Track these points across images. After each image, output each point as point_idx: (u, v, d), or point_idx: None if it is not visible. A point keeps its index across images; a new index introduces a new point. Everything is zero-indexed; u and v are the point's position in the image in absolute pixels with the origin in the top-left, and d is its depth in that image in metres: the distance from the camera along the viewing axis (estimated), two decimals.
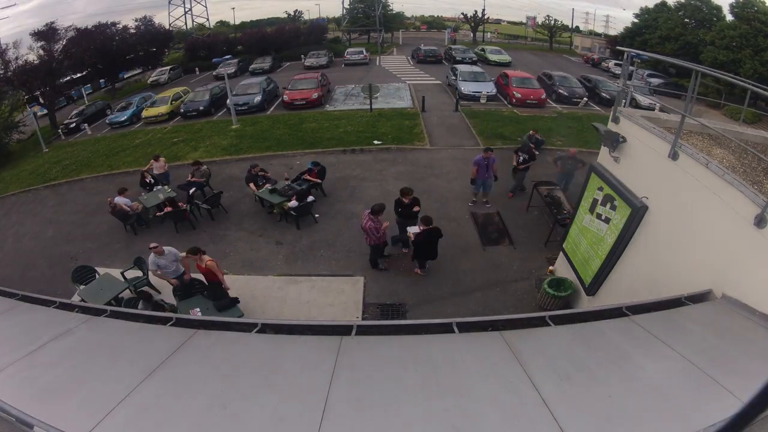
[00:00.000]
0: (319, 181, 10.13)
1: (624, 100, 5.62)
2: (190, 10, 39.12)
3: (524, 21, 41.90)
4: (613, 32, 35.52)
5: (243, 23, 41.32)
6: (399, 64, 27.74)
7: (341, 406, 2.39)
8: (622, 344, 2.97)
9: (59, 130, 19.74)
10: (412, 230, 7.18)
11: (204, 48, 32.35)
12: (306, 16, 41.74)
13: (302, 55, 29.08)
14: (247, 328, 3.23)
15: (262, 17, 40.83)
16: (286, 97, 17.84)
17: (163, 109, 18.43)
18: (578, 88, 18.44)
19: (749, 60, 19.64)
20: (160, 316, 3.61)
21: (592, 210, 5.87)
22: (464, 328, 3.10)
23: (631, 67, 5.57)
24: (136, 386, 2.55)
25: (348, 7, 38.98)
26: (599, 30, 38.75)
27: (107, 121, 19.21)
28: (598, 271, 5.59)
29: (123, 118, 18.77)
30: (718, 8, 24.23)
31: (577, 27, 39.61)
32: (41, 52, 22.87)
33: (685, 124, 4.25)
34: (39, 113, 20.67)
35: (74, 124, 19.51)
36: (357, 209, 9.61)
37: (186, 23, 39.17)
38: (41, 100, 21.17)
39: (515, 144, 12.53)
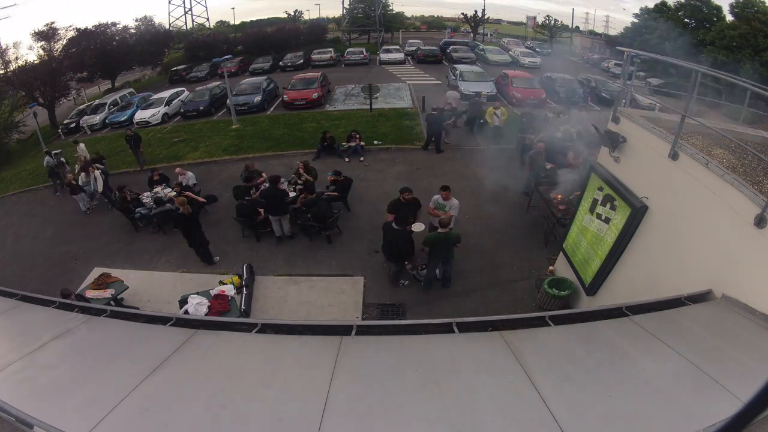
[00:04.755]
0: (336, 194, 9.18)
1: (624, 100, 5.62)
2: (190, 10, 39.18)
3: (524, 21, 41.96)
4: (613, 32, 35.57)
5: (243, 23, 41.32)
6: (399, 64, 27.70)
7: (341, 406, 2.39)
8: (622, 344, 2.97)
9: (59, 130, 19.74)
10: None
11: (204, 48, 32.35)
12: (306, 16, 41.79)
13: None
14: (247, 328, 3.23)
15: (262, 17, 40.88)
16: (286, 97, 17.85)
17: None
18: (578, 88, 18.45)
19: (749, 60, 19.63)
20: (160, 316, 3.60)
21: (592, 210, 5.87)
22: (464, 328, 3.10)
23: (631, 67, 5.57)
24: (136, 386, 2.55)
25: (348, 7, 38.98)
26: (599, 30, 38.80)
27: (107, 121, 19.20)
28: (598, 271, 5.59)
29: (123, 118, 18.76)
30: (718, 8, 24.23)
31: (577, 27, 39.66)
32: (41, 52, 22.91)
33: (685, 124, 4.25)
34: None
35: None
36: (357, 209, 9.61)
37: (186, 23, 39.23)
38: (41, 100, 21.15)
39: (515, 144, 12.53)
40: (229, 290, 6.61)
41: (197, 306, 6.25)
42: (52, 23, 23.60)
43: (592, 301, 5.80)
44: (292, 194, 9.17)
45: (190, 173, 10.13)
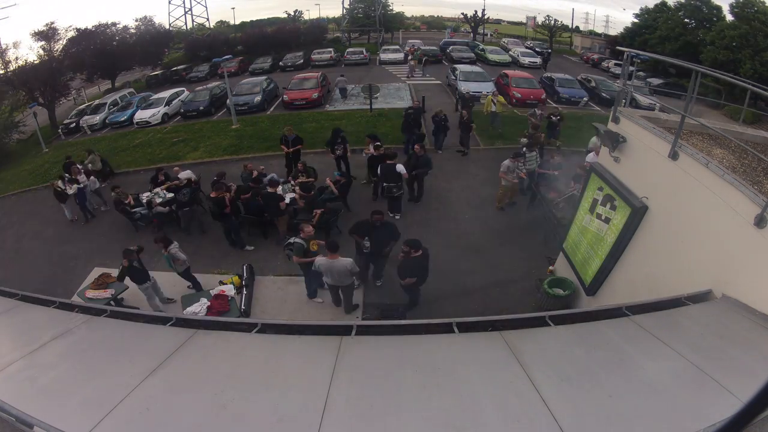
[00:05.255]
0: (338, 193, 9.14)
1: (624, 100, 5.63)
2: (190, 10, 39.20)
3: (524, 21, 41.96)
4: (613, 32, 35.57)
5: (243, 23, 41.34)
6: (399, 64, 27.70)
7: (341, 406, 2.39)
8: (622, 344, 2.97)
9: (59, 130, 19.74)
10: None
11: (204, 48, 32.34)
12: (306, 16, 41.79)
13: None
14: (247, 328, 3.23)
15: (262, 17, 40.89)
16: (286, 97, 17.85)
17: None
18: (578, 88, 18.48)
19: (749, 60, 19.63)
20: (160, 316, 3.61)
21: (592, 210, 5.87)
22: (464, 328, 3.10)
23: (631, 67, 5.57)
24: (136, 386, 2.55)
25: (348, 7, 38.98)
26: (599, 30, 38.79)
27: (107, 121, 19.21)
28: (598, 271, 5.59)
29: (123, 118, 18.77)
30: (718, 8, 24.22)
31: (577, 27, 39.65)
32: (41, 52, 22.91)
33: (685, 124, 4.25)
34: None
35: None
36: (357, 210, 9.61)
37: (186, 23, 39.25)
38: (41, 100, 21.15)
39: (515, 144, 12.52)
40: (229, 290, 6.61)
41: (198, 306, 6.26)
42: (52, 23, 23.63)
43: (592, 301, 5.80)
44: (290, 195, 9.16)
45: (185, 173, 10.08)
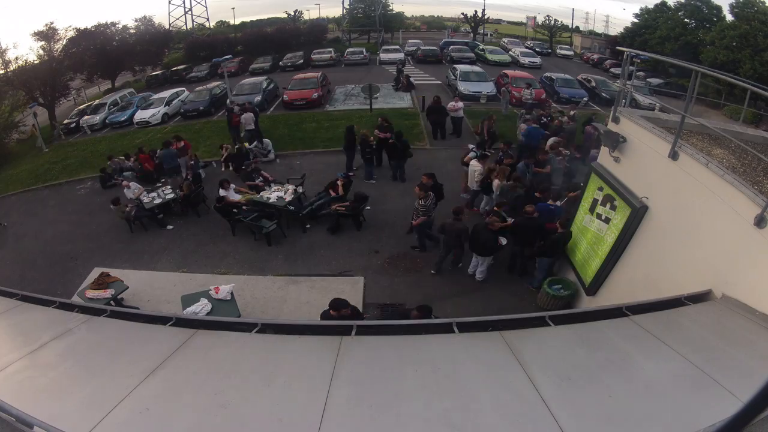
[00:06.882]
0: (342, 194, 9.25)
1: (624, 100, 5.63)
2: (190, 10, 39.21)
3: (524, 21, 41.99)
4: (613, 32, 35.57)
5: (243, 23, 41.33)
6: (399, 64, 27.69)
7: (341, 406, 2.39)
8: (622, 344, 2.97)
9: (60, 130, 19.73)
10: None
11: (204, 48, 32.33)
12: (306, 16, 41.78)
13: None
14: (247, 328, 3.23)
15: (262, 17, 40.88)
16: (286, 97, 17.84)
17: None
18: (578, 88, 18.48)
19: (749, 60, 19.63)
20: (160, 316, 3.60)
21: (592, 210, 5.87)
22: (464, 328, 3.10)
23: (630, 67, 5.57)
24: (136, 386, 2.55)
25: (348, 7, 39.00)
26: (599, 30, 38.79)
27: (107, 121, 19.22)
28: (598, 271, 5.59)
29: (123, 118, 18.78)
30: (718, 8, 24.23)
31: (577, 27, 39.66)
32: (41, 52, 22.91)
33: (685, 124, 4.25)
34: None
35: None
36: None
37: (186, 23, 39.26)
38: (41, 100, 21.14)
39: (515, 144, 12.50)
40: (227, 290, 6.50)
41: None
42: (52, 23, 23.60)
43: (592, 301, 5.80)
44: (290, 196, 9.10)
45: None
